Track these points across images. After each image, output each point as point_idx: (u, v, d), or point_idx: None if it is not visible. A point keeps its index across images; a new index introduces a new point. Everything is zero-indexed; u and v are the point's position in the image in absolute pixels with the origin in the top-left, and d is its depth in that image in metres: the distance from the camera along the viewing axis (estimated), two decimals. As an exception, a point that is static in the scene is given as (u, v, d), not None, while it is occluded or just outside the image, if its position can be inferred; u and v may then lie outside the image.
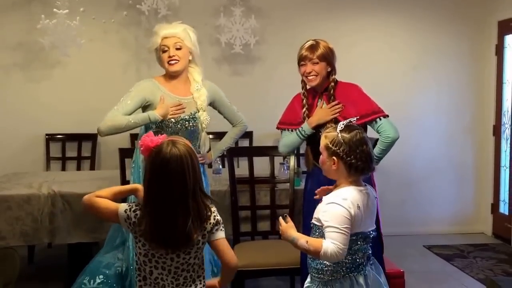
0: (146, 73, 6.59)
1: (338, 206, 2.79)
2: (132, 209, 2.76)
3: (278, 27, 6.97)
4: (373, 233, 2.98)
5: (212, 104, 4.34)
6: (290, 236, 2.84)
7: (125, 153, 4.89)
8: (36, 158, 6.71)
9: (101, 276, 4.04)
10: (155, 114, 3.98)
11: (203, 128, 4.18)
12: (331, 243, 2.74)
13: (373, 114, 3.99)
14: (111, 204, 2.81)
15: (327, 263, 2.88)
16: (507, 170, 7.01)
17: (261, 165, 5.28)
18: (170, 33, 4.07)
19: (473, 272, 5.79)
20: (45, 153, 6.69)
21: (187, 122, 4.10)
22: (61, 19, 6.16)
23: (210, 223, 2.76)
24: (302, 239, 2.83)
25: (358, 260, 2.91)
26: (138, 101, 4.02)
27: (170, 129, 4.04)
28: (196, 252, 2.77)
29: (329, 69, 3.99)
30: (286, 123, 4.18)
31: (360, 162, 2.85)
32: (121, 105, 3.99)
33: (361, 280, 2.91)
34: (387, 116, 4.06)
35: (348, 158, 2.85)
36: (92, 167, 6.70)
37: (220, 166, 5.61)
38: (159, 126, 4.04)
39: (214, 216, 2.79)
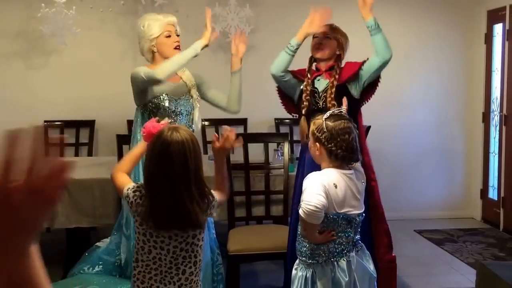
0: (143, 61, 6.62)
1: (314, 178, 2.91)
2: (133, 189, 2.80)
3: (272, 16, 7.03)
4: (359, 218, 3.03)
5: (199, 91, 4.32)
6: None
7: (123, 140, 4.93)
8: (34, 145, 6.75)
9: (100, 265, 4.09)
10: (201, 41, 4.05)
11: (196, 105, 4.21)
12: (301, 203, 2.88)
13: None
14: (125, 181, 2.90)
15: (307, 245, 2.97)
16: (496, 157, 7.11)
17: (256, 152, 5.36)
18: (173, 21, 4.11)
19: (463, 256, 5.88)
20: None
21: (182, 106, 4.13)
22: (60, 8, 6.23)
23: (212, 206, 2.84)
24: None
25: (342, 245, 2.95)
26: None
27: (165, 111, 4.06)
28: (200, 233, 2.81)
29: (338, 52, 4.08)
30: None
31: (340, 150, 2.93)
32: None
33: (343, 265, 2.94)
34: None
35: (329, 145, 2.94)
36: (90, 153, 6.77)
37: (216, 153, 5.68)
38: (158, 110, 4.06)
39: (213, 201, 2.86)
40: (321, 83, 4.08)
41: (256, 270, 5.40)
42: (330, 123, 2.97)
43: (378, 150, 7.22)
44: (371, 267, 3.09)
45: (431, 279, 5.34)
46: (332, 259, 2.95)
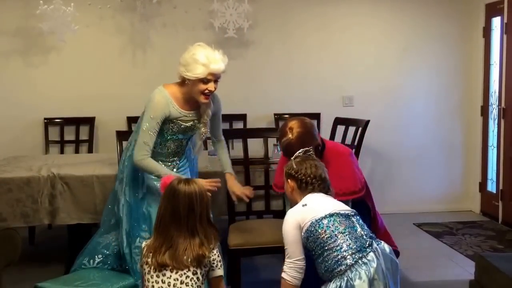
0: (141, 58, 6.70)
1: (285, 220, 3.19)
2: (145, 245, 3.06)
3: (271, 11, 7.03)
4: (354, 213, 3.18)
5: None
6: None
7: (122, 136, 4.96)
8: (35, 142, 6.79)
9: (100, 256, 4.14)
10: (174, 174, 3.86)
11: (201, 138, 4.17)
12: (284, 268, 3.16)
13: (353, 194, 3.87)
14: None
15: (328, 259, 3.03)
16: (495, 150, 7.12)
17: (255, 147, 5.37)
18: (219, 70, 3.90)
19: (462, 249, 5.90)
20: (44, 137, 6.76)
21: (187, 129, 4.10)
22: (58, 5, 6.24)
23: (214, 254, 3.00)
24: None
25: (358, 240, 3.02)
26: (159, 122, 3.94)
27: (170, 131, 4.06)
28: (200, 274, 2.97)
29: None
30: (279, 186, 4.08)
31: (308, 178, 3.25)
32: (147, 137, 3.91)
33: (371, 256, 2.99)
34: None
35: (299, 175, 3.26)
36: (90, 150, 6.80)
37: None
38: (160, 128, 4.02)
39: (218, 251, 3.03)
40: None
41: (256, 264, 5.41)
42: (298, 159, 3.33)
43: (377, 144, 7.25)
44: (391, 255, 3.14)
45: (431, 271, 5.34)
46: (360, 258, 2.99)
